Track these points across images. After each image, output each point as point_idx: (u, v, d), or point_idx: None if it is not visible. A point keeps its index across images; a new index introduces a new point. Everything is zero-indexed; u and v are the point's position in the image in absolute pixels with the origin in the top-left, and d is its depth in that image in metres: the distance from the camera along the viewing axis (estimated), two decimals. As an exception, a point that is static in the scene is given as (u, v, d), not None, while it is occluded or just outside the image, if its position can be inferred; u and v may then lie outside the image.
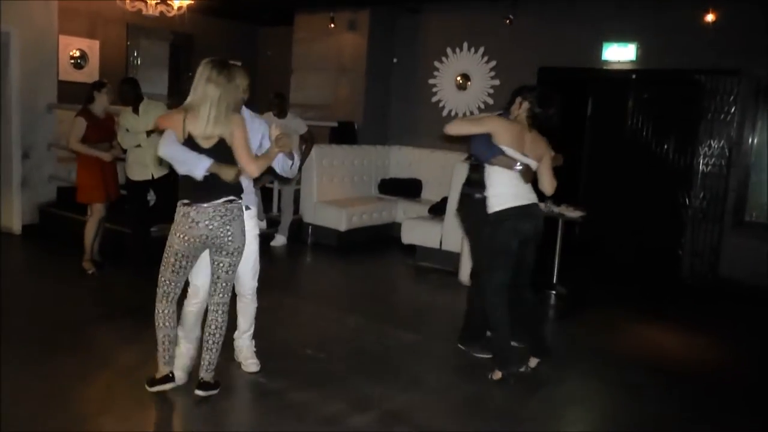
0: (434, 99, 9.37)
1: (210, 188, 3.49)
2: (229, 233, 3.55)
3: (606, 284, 7.45)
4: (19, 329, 4.71)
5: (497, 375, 4.31)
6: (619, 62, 7.91)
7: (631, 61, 7.84)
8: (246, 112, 3.85)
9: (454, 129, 4.29)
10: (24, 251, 7.41)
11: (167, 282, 3.63)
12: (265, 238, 8.02)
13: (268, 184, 8.64)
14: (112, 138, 6.28)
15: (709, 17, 7.09)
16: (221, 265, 3.64)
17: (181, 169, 3.50)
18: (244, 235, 3.66)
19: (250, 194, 3.93)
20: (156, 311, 3.65)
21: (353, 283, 7.04)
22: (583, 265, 7.98)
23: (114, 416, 3.55)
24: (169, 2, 8.11)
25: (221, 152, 3.49)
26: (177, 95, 9.97)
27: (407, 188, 9.09)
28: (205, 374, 3.72)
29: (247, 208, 3.87)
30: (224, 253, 3.59)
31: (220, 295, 3.69)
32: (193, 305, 3.90)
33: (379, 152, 9.36)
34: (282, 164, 3.88)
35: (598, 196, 8.34)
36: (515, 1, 8.12)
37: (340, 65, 9.64)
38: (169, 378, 3.73)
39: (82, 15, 8.64)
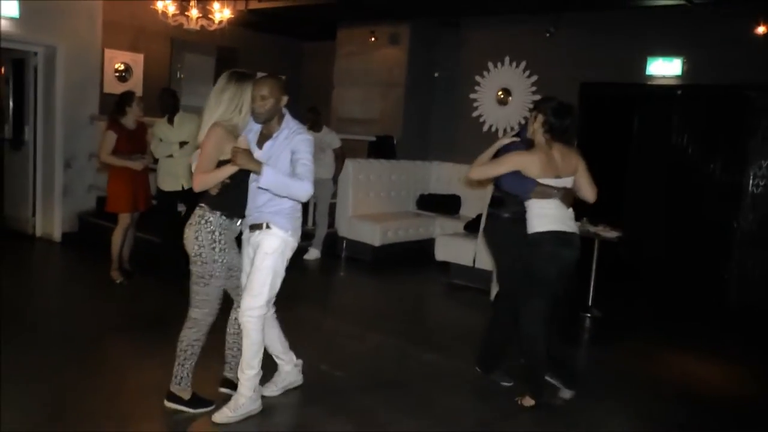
0: (475, 114, 9.23)
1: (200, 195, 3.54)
2: (185, 236, 3.52)
3: (645, 309, 7.14)
4: (35, 336, 4.75)
5: (529, 402, 4.12)
6: (664, 77, 7.65)
7: (677, 76, 7.56)
8: (288, 126, 3.58)
9: (476, 174, 4.15)
10: (61, 258, 7.57)
11: (234, 293, 3.78)
12: (298, 252, 8.07)
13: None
14: (144, 149, 6.35)
15: (761, 29, 6.78)
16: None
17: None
18: (203, 246, 3.44)
19: (279, 215, 3.56)
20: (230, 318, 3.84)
21: (381, 300, 6.92)
22: (623, 289, 7.70)
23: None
24: (210, 16, 8.23)
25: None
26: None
27: (445, 204, 8.95)
28: (172, 385, 3.65)
29: (268, 226, 3.55)
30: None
31: (191, 309, 3.59)
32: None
33: (418, 167, 9.26)
34: (277, 186, 3.40)
35: (642, 216, 8.05)
36: (557, 14, 7.95)
37: (380, 79, 9.61)
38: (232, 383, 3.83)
39: (127, 29, 8.85)
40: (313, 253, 8.02)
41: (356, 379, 4.45)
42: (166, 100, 6.22)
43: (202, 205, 3.48)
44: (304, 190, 3.46)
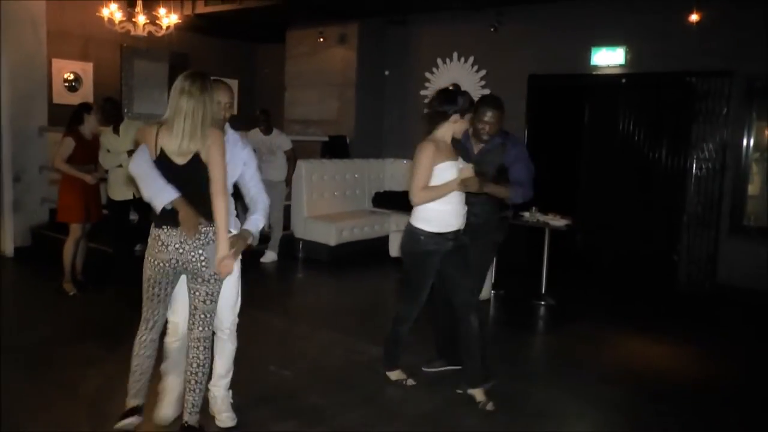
0: (427, 110, 9.29)
1: (171, 212, 3.21)
2: (202, 258, 3.24)
3: (599, 294, 7.28)
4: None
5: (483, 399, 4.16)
6: (608, 67, 7.78)
7: (621, 66, 7.70)
8: (231, 134, 3.52)
9: (422, 199, 3.94)
10: (13, 273, 7.47)
11: (145, 309, 3.37)
12: (255, 255, 8.08)
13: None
14: (96, 160, 6.32)
15: (693, 17, 6.94)
16: (197, 294, 3.31)
17: (144, 194, 3.23)
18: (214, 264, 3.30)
19: (230, 217, 3.48)
20: (136, 337, 3.40)
21: (335, 299, 6.97)
22: (577, 276, 7.84)
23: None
24: (157, 22, 8.20)
25: (195, 170, 3.17)
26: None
27: (400, 201, 8.88)
28: (189, 417, 3.36)
29: (229, 232, 3.42)
30: (200, 280, 3.28)
31: (200, 329, 3.33)
32: (173, 342, 3.59)
33: (372, 165, 9.31)
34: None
35: (595, 203, 8.21)
36: (501, 8, 8.05)
37: (331, 80, 9.65)
38: (134, 411, 3.39)
39: (75, 38, 8.77)
40: (270, 256, 8.03)
41: (303, 378, 4.50)
42: (108, 110, 6.21)
43: (202, 221, 3.22)
44: (267, 205, 3.61)
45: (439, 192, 3.88)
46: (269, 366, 4.65)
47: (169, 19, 8.22)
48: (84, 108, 6.23)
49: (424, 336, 4.93)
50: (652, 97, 7.79)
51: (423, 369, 4.66)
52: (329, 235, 8.04)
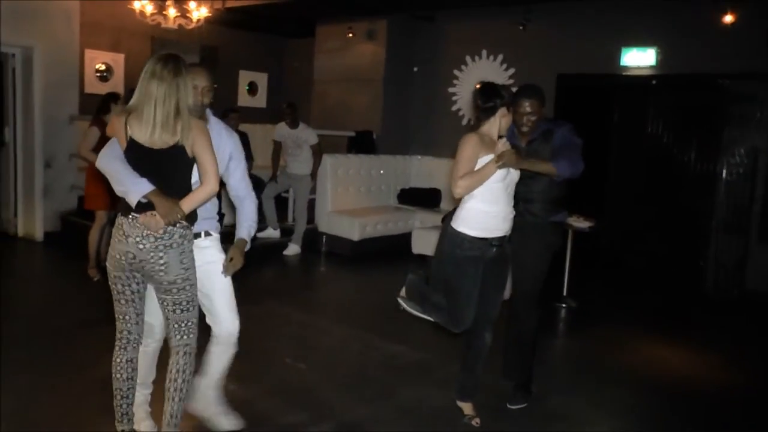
0: (454, 108, 9.27)
1: (147, 204, 2.87)
2: (161, 261, 2.89)
3: (622, 298, 7.17)
4: (6, 331, 4.82)
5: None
6: (638, 67, 7.66)
7: (651, 66, 7.58)
8: (215, 122, 3.30)
9: (462, 188, 3.57)
10: (42, 257, 7.63)
11: (116, 316, 3.08)
12: (279, 247, 8.14)
13: (283, 194, 8.71)
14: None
15: (728, 18, 6.80)
16: (165, 303, 3.01)
17: (117, 189, 2.91)
18: (188, 269, 2.98)
19: (211, 219, 3.30)
20: (113, 356, 3.13)
21: (355, 294, 6.97)
22: (601, 278, 7.75)
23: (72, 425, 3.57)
24: (187, 15, 8.26)
25: (172, 159, 2.88)
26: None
27: (426, 198, 8.98)
28: (167, 428, 3.07)
29: (208, 234, 3.28)
30: (161, 288, 2.96)
31: (177, 337, 3.05)
32: (148, 344, 3.32)
33: (398, 162, 9.30)
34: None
35: (620, 206, 8.10)
36: (528, 5, 7.98)
37: (359, 75, 9.65)
38: None
39: (107, 30, 8.89)
40: (293, 249, 8.07)
41: (318, 371, 4.51)
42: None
43: (181, 222, 2.92)
44: (256, 205, 3.44)
45: (480, 176, 3.51)
46: (285, 358, 4.67)
47: (199, 12, 8.28)
48: (111, 97, 6.33)
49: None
50: (683, 100, 7.65)
51: (508, 405, 4.19)
52: (352, 230, 8.05)
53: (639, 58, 7.63)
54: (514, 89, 3.94)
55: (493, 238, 3.64)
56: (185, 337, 3.06)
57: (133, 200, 2.84)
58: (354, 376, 4.49)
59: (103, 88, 9.12)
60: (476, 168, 3.54)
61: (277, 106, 10.00)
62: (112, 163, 2.92)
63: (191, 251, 3.01)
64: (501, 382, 4.31)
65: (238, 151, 3.33)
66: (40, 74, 7.86)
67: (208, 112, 3.28)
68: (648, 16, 7.55)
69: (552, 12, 8.12)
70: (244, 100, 10.95)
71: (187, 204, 2.89)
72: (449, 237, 3.70)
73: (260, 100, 11.20)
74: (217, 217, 3.39)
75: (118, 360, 3.10)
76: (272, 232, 8.29)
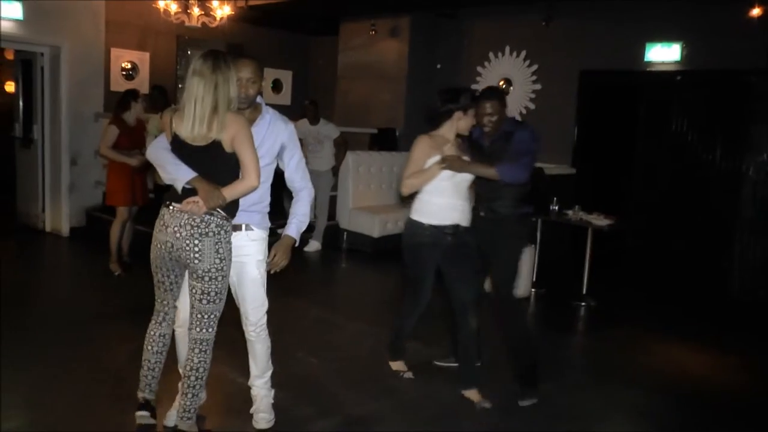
0: (430, 110, 9.20)
1: (191, 191, 2.95)
2: (197, 249, 2.96)
3: (644, 298, 7.07)
4: (29, 323, 4.95)
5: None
6: (663, 63, 7.55)
7: (676, 62, 7.46)
8: (267, 111, 3.30)
9: (407, 186, 3.95)
10: (67, 251, 7.78)
11: (156, 297, 3.25)
12: (300, 243, 8.15)
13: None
14: (142, 145, 6.50)
15: (755, 12, 6.66)
16: (194, 290, 3.07)
17: (165, 178, 3.05)
18: (223, 259, 3.03)
19: (253, 212, 3.27)
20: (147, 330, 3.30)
21: (373, 290, 6.98)
22: (623, 277, 7.65)
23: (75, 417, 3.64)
24: (211, 13, 8.35)
25: (212, 155, 2.96)
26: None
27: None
28: (180, 423, 3.13)
29: (249, 228, 3.26)
30: (194, 275, 3.03)
31: (197, 330, 3.09)
32: (177, 327, 3.37)
33: (420, 159, 9.26)
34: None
35: (644, 204, 7.98)
36: (551, 2, 7.90)
37: (382, 72, 9.65)
38: (143, 406, 3.31)
39: (133, 28, 9.02)
40: (314, 245, 8.11)
41: (329, 366, 4.53)
42: (155, 98, 6.40)
43: (217, 212, 2.99)
44: (312, 197, 3.46)
45: (424, 176, 3.86)
46: (297, 353, 4.69)
47: (222, 10, 8.37)
48: (131, 95, 6.42)
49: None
50: (709, 96, 7.49)
51: (434, 362, 4.68)
52: (373, 227, 8.07)
53: (664, 54, 7.51)
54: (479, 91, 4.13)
55: (445, 226, 3.95)
56: (204, 330, 3.10)
57: (179, 187, 2.95)
58: (365, 371, 4.50)
59: (128, 86, 9.27)
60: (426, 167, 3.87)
61: (301, 103, 10.04)
62: (159, 153, 3.07)
63: (228, 242, 3.07)
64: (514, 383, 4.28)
65: (292, 141, 3.34)
66: (67, 73, 8.01)
67: (261, 101, 3.30)
68: (672, 11, 7.43)
69: (575, 8, 8.03)
70: (268, 97, 11.01)
71: (228, 192, 2.96)
72: (407, 226, 4.11)
73: (285, 98, 11.26)
74: (265, 213, 3.34)
75: (152, 333, 3.26)
76: None
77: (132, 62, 9.52)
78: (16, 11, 7.48)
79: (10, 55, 9.60)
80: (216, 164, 2.98)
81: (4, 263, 6.53)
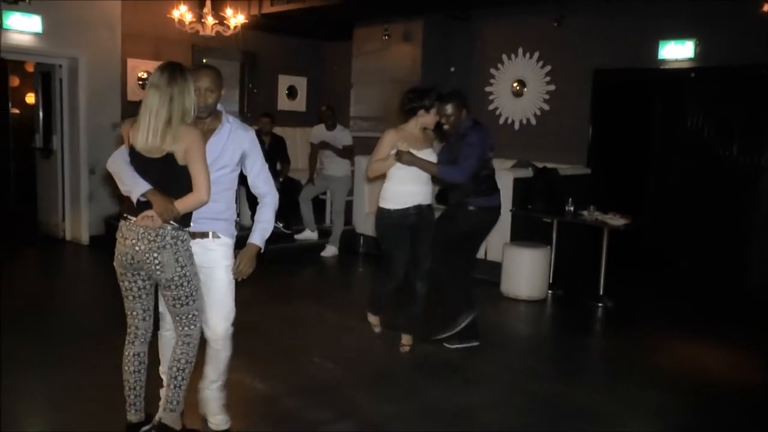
0: (491, 107, 9.19)
1: (146, 204, 2.98)
2: (156, 261, 3.00)
3: (661, 297, 7.01)
4: (47, 329, 5.03)
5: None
6: (676, 60, 7.48)
7: (690, 59, 7.39)
8: (228, 120, 3.31)
9: (372, 171, 4.79)
10: (86, 260, 7.91)
11: (126, 312, 3.25)
12: (316, 249, 8.22)
13: (321, 196, 8.81)
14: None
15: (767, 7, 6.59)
16: (166, 298, 3.18)
17: (121, 188, 3.07)
18: (184, 266, 3.07)
19: (219, 221, 3.29)
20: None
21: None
22: (640, 277, 7.59)
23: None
24: (225, 22, 8.42)
25: (167, 167, 2.97)
26: (241, 112, 10.36)
27: (463, 198, 8.94)
28: (163, 414, 3.22)
29: (216, 236, 3.28)
30: (161, 284, 3.12)
31: (180, 328, 3.20)
32: (165, 329, 3.46)
33: (435, 162, 9.27)
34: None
35: (661, 202, 7.92)
36: (562, 2, 7.88)
37: (396, 76, 9.64)
38: (134, 428, 3.29)
39: (149, 39, 9.11)
40: (330, 250, 8.15)
41: (345, 370, 4.56)
42: None
43: (171, 224, 3.00)
44: (276, 202, 3.41)
45: (383, 164, 4.63)
46: (313, 357, 4.72)
47: (236, 19, 8.43)
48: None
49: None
50: (724, 92, 7.42)
51: (445, 345, 5.07)
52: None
53: (677, 51, 7.44)
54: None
55: (408, 207, 4.64)
56: (186, 327, 3.19)
57: (134, 198, 2.97)
58: (380, 375, 4.53)
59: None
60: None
61: (316, 109, 10.09)
62: (118, 165, 3.09)
63: (187, 249, 3.10)
64: (529, 384, 4.28)
65: (254, 148, 3.35)
66: (85, 84, 8.16)
67: (221, 110, 3.31)
68: (685, 8, 7.36)
69: (587, 8, 7.99)
70: (283, 104, 11.08)
71: (180, 205, 2.98)
72: (377, 212, 4.79)
73: (300, 104, 11.31)
74: (231, 220, 3.36)
75: (126, 353, 3.26)
76: (310, 234, 8.39)
77: (148, 72, 9.62)
78: (36, 25, 7.63)
79: (30, 68, 9.76)
80: (170, 176, 2.99)
81: (27, 272, 6.65)
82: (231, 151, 3.26)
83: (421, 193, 4.68)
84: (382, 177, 4.80)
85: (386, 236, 4.77)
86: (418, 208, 4.66)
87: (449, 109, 4.71)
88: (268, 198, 3.39)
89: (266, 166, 3.42)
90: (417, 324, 4.99)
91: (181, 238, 3.06)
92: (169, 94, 2.92)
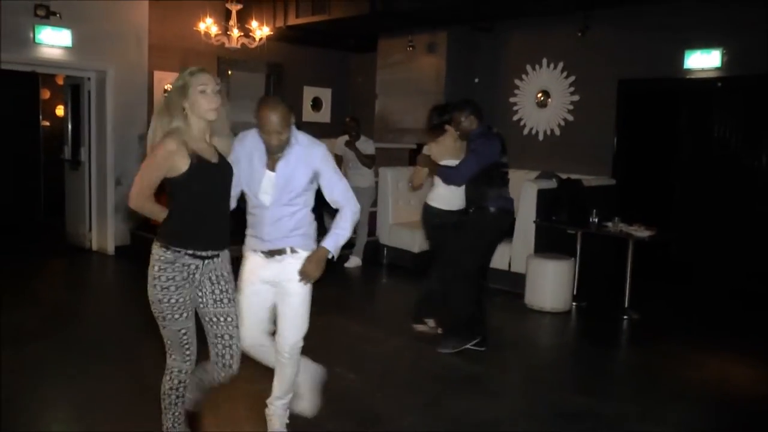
0: (515, 118, 9.17)
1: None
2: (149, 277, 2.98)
3: (689, 309, 6.90)
4: (68, 340, 5.08)
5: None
6: (702, 70, 7.41)
7: (716, 68, 7.31)
8: (297, 141, 3.23)
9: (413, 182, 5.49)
10: (113, 269, 8.00)
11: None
12: (339, 260, 8.21)
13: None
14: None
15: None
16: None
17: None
18: (149, 283, 2.97)
19: (294, 237, 3.24)
20: None
21: (412, 306, 6.96)
22: (668, 289, 7.49)
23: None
24: (250, 35, 8.51)
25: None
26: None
27: (487, 209, 8.90)
28: None
29: (294, 251, 3.24)
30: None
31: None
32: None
33: (459, 173, 9.25)
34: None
35: (688, 214, 7.81)
36: (587, 12, 7.84)
37: (421, 88, 9.68)
38: None
39: (175, 51, 9.22)
40: (354, 261, 8.15)
41: (368, 381, 4.55)
42: None
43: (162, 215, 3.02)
44: (355, 213, 3.34)
45: (414, 172, 5.42)
46: (336, 368, 4.70)
47: (261, 31, 8.52)
48: None
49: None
50: (751, 101, 7.32)
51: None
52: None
53: (703, 61, 7.37)
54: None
55: (452, 210, 5.18)
56: (168, 357, 3.13)
57: None
58: (403, 386, 4.51)
59: (172, 108, 9.48)
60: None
61: (341, 120, 10.12)
62: None
63: (150, 266, 2.99)
64: (558, 394, 4.23)
65: (325, 164, 3.28)
66: (112, 96, 8.28)
67: (292, 129, 3.24)
68: (711, 17, 7.30)
69: (611, 18, 7.94)
70: (308, 115, 11.13)
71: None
72: (425, 210, 5.32)
73: (324, 116, 11.36)
74: (307, 234, 3.29)
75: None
76: None
77: (175, 85, 9.74)
78: (66, 39, 7.77)
79: (60, 81, 9.94)
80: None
81: (53, 281, 6.74)
82: (301, 174, 3.19)
83: (462, 198, 5.15)
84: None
85: (430, 232, 5.40)
86: (460, 212, 5.17)
87: (458, 117, 5.12)
88: (346, 210, 3.32)
89: (343, 179, 3.35)
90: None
91: (153, 250, 2.97)
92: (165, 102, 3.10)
